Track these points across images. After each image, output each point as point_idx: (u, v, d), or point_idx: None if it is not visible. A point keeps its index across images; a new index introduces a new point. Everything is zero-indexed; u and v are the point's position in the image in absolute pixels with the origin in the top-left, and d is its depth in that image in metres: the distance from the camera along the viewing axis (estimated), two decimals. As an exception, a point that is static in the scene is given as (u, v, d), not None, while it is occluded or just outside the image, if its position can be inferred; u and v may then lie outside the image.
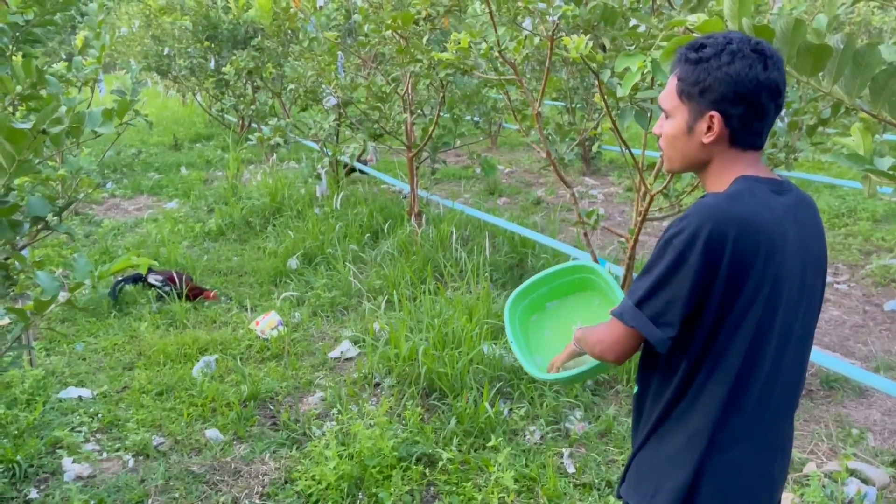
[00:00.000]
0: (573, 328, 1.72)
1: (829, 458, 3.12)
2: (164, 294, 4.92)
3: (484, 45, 3.65)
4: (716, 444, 1.44)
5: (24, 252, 5.72)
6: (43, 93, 3.42)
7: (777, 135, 3.51)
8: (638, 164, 3.42)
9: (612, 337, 1.48)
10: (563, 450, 3.19)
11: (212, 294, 4.97)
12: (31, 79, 3.17)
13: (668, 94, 1.48)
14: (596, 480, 3.00)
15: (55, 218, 2.20)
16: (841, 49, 1.61)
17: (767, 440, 1.47)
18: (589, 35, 3.14)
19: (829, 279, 5.17)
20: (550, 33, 3.43)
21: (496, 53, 3.61)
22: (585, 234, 3.91)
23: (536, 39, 3.65)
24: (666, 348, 1.42)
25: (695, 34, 1.70)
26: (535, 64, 7.90)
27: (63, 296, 5.15)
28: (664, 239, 1.40)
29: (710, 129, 1.42)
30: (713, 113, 1.41)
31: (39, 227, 2.13)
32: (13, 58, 3.90)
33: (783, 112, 3.51)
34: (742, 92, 1.38)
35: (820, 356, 3.62)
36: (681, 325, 1.40)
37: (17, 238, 3.86)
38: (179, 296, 4.85)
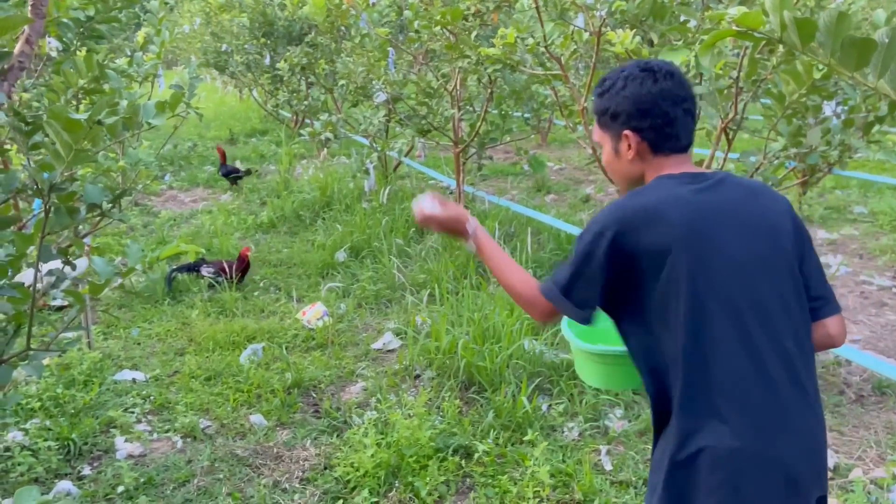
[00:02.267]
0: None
1: (877, 464, 3.04)
2: (216, 283, 5.06)
3: (531, 41, 3.65)
4: (682, 429, 1.48)
5: (86, 240, 5.95)
6: (105, 87, 3.57)
7: (832, 133, 3.43)
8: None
9: (537, 304, 1.67)
10: (601, 447, 3.18)
11: (248, 253, 5.18)
12: (93, 73, 3.30)
13: (594, 130, 1.69)
14: (633, 478, 2.98)
15: (109, 206, 2.31)
16: (886, 43, 1.57)
17: (758, 418, 1.45)
18: (636, 30, 3.12)
19: (887, 283, 5.01)
20: (597, 28, 3.42)
21: (542, 49, 3.61)
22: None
23: (585, 35, 3.64)
24: (587, 322, 1.59)
25: (735, 28, 1.68)
26: (589, 61, 7.81)
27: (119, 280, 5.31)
28: (578, 236, 1.59)
29: (629, 146, 1.60)
30: (626, 132, 1.60)
31: (95, 214, 2.23)
32: (77, 53, 4.07)
33: (838, 109, 3.42)
34: (642, 107, 1.57)
35: (873, 361, 3.52)
36: (617, 312, 1.58)
37: (80, 227, 4.03)
38: (230, 278, 5.02)
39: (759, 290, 1.49)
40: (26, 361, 2.47)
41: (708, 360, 1.45)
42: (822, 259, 5.49)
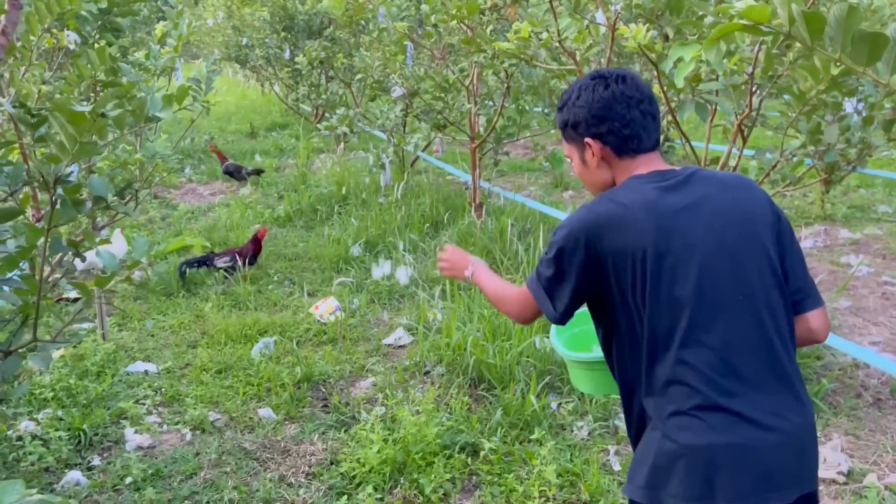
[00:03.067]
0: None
1: (893, 470, 2.97)
2: (228, 275, 5.09)
3: (545, 35, 3.61)
4: (658, 427, 1.50)
5: (104, 231, 6.02)
6: (124, 80, 3.59)
7: (851, 130, 3.35)
8: (698, 158, 3.32)
9: (516, 298, 1.75)
10: (610, 447, 3.14)
11: (263, 234, 5.26)
12: (106, 66, 3.32)
13: (564, 146, 1.72)
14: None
15: (115, 198, 2.31)
16: (899, 37, 1.52)
17: (734, 412, 1.44)
18: (650, 25, 3.06)
19: (909, 284, 4.90)
20: (612, 23, 3.37)
21: (556, 44, 3.56)
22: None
23: (602, 29, 3.59)
24: (560, 322, 1.64)
25: (742, 22, 1.64)
26: (613, 56, 7.71)
27: (139, 275, 5.34)
28: (551, 235, 1.63)
29: (593, 154, 1.63)
30: (587, 140, 1.62)
31: (100, 207, 2.24)
32: (95, 46, 4.10)
33: (859, 106, 3.35)
34: (597, 113, 1.60)
35: (891, 364, 3.44)
36: (594, 313, 1.63)
37: (98, 218, 4.06)
38: (245, 263, 5.05)
39: (734, 283, 1.48)
40: (34, 353, 2.49)
41: (684, 356, 1.46)
42: (844, 259, 5.39)
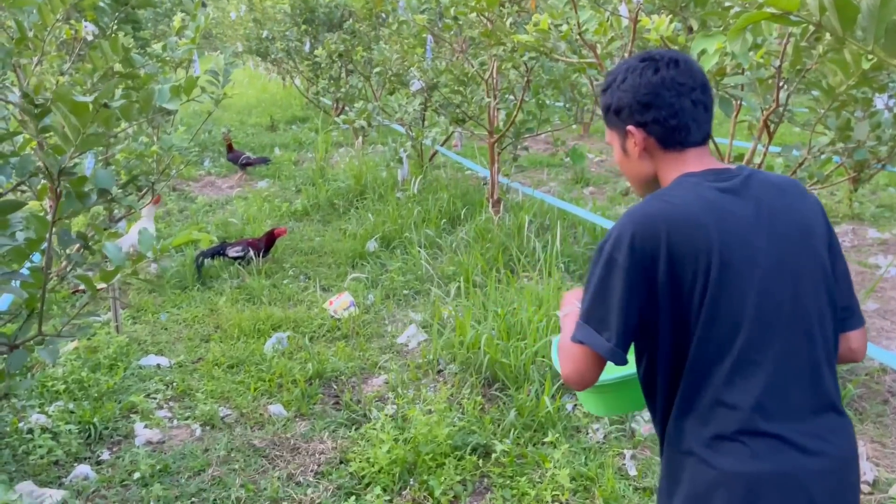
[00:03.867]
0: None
1: (921, 481, 2.86)
2: (240, 265, 5.07)
3: (564, 27, 3.52)
4: (695, 452, 1.37)
5: (121, 223, 6.01)
6: (142, 72, 3.56)
7: (882, 127, 3.23)
8: (722, 155, 3.22)
9: (570, 359, 1.43)
10: (626, 451, 3.06)
11: (281, 232, 5.22)
12: (119, 57, 3.28)
13: (606, 132, 1.57)
14: (658, 485, 2.86)
15: (119, 191, 2.28)
16: (937, 28, 1.43)
17: (781, 438, 1.32)
18: (673, 16, 2.97)
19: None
20: (634, 14, 3.27)
21: (576, 36, 3.47)
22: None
23: (624, 22, 3.50)
24: (618, 360, 1.38)
25: (770, 10, 1.55)
26: (636, 49, 7.58)
27: (154, 268, 5.31)
28: (597, 247, 1.43)
29: (635, 143, 1.48)
30: (629, 128, 1.47)
31: (106, 199, 2.20)
32: (113, 37, 4.07)
33: (891, 102, 3.22)
34: (643, 99, 1.44)
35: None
36: (637, 334, 1.39)
37: (115, 210, 4.04)
38: (259, 253, 5.03)
39: (792, 300, 1.35)
40: (42, 346, 2.47)
41: (735, 378, 1.33)
42: (872, 259, 5.24)
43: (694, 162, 1.45)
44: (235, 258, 5.12)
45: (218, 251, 5.17)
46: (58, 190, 2.13)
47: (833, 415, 1.37)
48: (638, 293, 1.35)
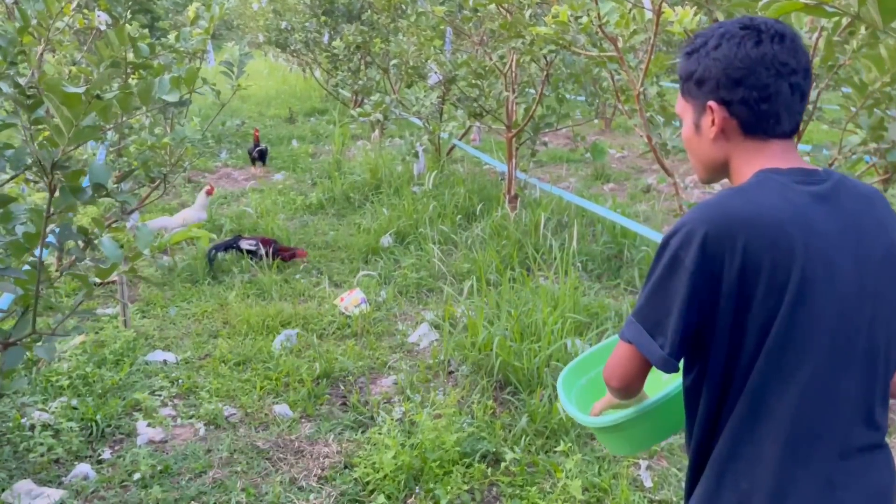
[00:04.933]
0: None
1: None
2: (253, 261, 5.00)
3: (585, 19, 3.39)
4: (741, 488, 1.22)
5: (134, 215, 5.97)
6: (156, 63, 3.49)
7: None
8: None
9: (615, 358, 1.31)
10: (641, 461, 2.94)
11: (304, 253, 5.12)
12: (126, 46, 3.20)
13: (678, 99, 1.38)
14: (674, 498, 2.74)
15: (115, 186, 2.20)
16: None
17: (826, 479, 1.19)
18: (699, 8, 2.83)
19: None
20: (658, 6, 3.13)
21: (596, 29, 3.34)
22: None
23: (647, 14, 3.36)
24: (669, 368, 1.23)
25: (802, 0, 1.42)
26: (660, 43, 7.41)
27: (167, 260, 5.26)
28: (661, 242, 1.25)
29: (713, 122, 1.29)
30: (710, 103, 1.28)
31: (101, 194, 2.13)
32: (126, 26, 4.01)
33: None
34: (735, 74, 1.24)
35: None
36: (690, 344, 1.23)
37: (126, 203, 3.98)
38: (268, 254, 4.96)
39: (867, 330, 1.21)
40: (40, 344, 2.40)
41: (802, 410, 1.19)
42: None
43: (777, 156, 1.27)
44: (248, 251, 5.06)
45: (231, 244, 5.11)
46: (51, 184, 2.05)
47: (878, 451, 1.24)
48: (700, 300, 1.19)
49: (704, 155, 1.33)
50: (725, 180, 1.36)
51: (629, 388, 1.31)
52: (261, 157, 7.74)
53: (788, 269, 1.16)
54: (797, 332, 1.17)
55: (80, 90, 1.79)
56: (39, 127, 2.03)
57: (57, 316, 2.90)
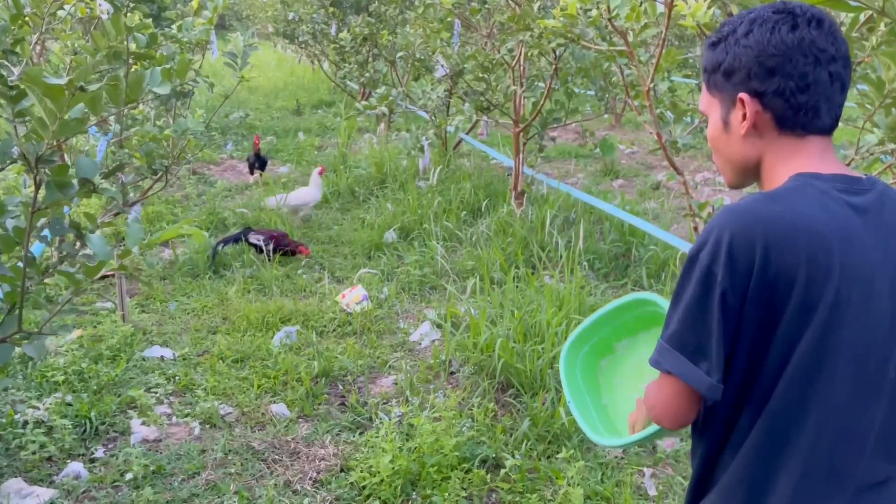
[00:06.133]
0: (646, 378, 1.38)
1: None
2: (260, 251, 4.94)
3: (594, 13, 3.30)
4: None
5: (136, 207, 5.90)
6: (158, 53, 3.42)
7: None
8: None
9: (660, 396, 1.18)
10: (646, 468, 2.86)
11: (306, 250, 5.02)
12: (122, 36, 3.13)
13: (702, 95, 1.25)
14: (680, 510, 2.66)
15: (102, 180, 2.13)
16: None
17: None
18: (712, 1, 2.73)
19: None
20: (669, 0, 3.04)
21: (605, 22, 3.25)
22: (696, 229, 3.50)
23: (660, 7, 3.27)
24: (717, 394, 1.11)
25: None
26: (672, 38, 7.28)
27: (168, 253, 5.17)
28: (689, 255, 1.13)
29: (744, 116, 1.16)
30: (742, 96, 1.15)
31: (88, 189, 2.06)
32: (128, 16, 3.93)
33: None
34: (768, 62, 1.12)
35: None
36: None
37: (129, 194, 3.91)
38: (275, 251, 4.90)
39: (893, 358, 1.12)
40: (28, 342, 2.34)
41: (820, 439, 1.10)
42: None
43: (815, 156, 1.15)
44: (254, 245, 5.00)
45: (240, 237, 5.06)
46: (36, 178, 1.99)
47: (892, 483, 1.15)
48: (734, 312, 1.09)
49: (734, 155, 1.21)
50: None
51: (684, 424, 1.19)
52: (260, 165, 6.89)
53: (821, 290, 1.06)
54: (822, 360, 1.08)
55: (63, 81, 1.72)
56: (24, 119, 1.95)
57: (47, 314, 2.83)
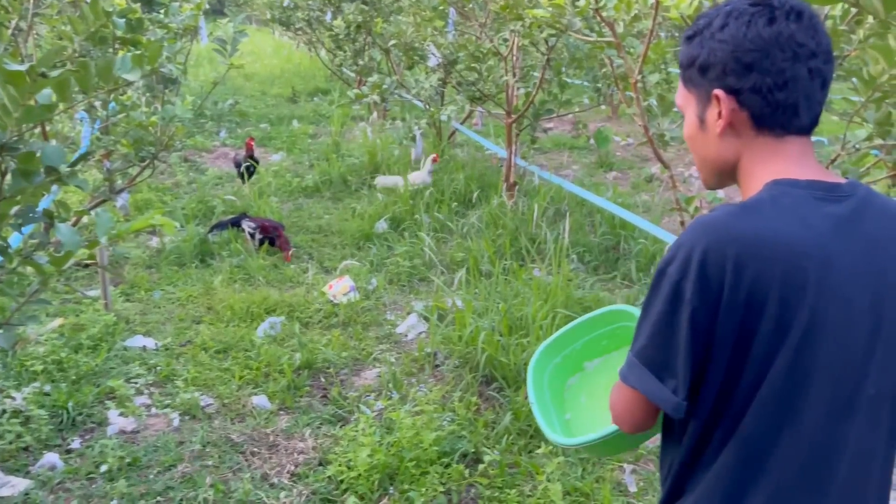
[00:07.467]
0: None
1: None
2: (251, 237, 4.91)
3: (582, 2, 3.24)
4: None
5: (124, 194, 5.83)
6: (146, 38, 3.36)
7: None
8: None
9: (622, 403, 1.15)
10: (626, 465, 2.84)
11: (289, 254, 4.89)
12: (101, 21, 3.07)
13: (679, 90, 1.19)
14: (659, 505, 2.63)
15: (68, 169, 2.09)
16: None
17: None
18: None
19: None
20: (657, -10, 2.98)
21: (593, 12, 3.20)
22: (683, 223, 3.46)
23: (650, -1, 3.21)
24: (682, 412, 1.07)
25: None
26: (659, 30, 7.19)
27: (155, 241, 5.11)
28: (658, 268, 1.08)
29: (720, 114, 1.10)
30: (717, 92, 1.09)
31: (53, 178, 2.02)
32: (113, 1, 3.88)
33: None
34: (744, 57, 1.06)
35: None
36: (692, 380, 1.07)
37: (117, 181, 3.87)
38: (262, 242, 4.85)
39: (874, 377, 1.07)
40: (1, 330, 2.31)
41: (784, 458, 1.06)
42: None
43: (793, 159, 1.10)
44: (246, 231, 4.96)
45: (234, 222, 5.03)
46: (2, 166, 1.95)
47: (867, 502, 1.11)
48: (704, 331, 1.04)
49: (710, 154, 1.16)
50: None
51: (643, 430, 1.17)
52: (249, 173, 6.17)
53: (796, 310, 1.01)
54: (796, 381, 1.03)
55: (23, 68, 1.67)
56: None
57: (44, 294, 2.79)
